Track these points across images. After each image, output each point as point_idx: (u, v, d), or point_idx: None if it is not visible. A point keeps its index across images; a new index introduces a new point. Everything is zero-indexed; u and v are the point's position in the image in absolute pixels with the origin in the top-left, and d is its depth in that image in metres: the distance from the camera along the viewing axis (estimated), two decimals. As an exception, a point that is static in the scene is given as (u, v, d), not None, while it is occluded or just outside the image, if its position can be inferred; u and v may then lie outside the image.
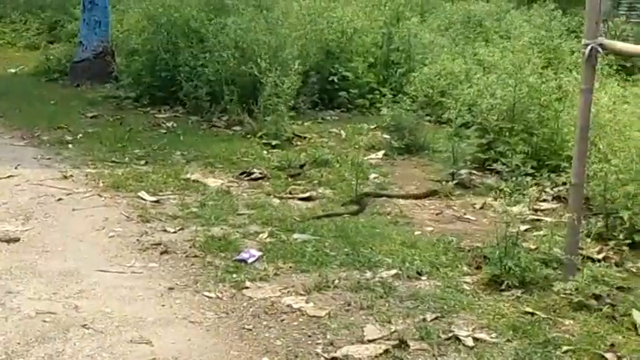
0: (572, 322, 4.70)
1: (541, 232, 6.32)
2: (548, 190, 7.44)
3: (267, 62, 9.08)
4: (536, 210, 6.97)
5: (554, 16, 13.17)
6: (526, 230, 6.36)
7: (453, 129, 7.87)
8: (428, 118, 9.66)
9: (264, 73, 9.05)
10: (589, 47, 4.76)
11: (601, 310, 4.82)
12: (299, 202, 6.92)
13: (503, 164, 7.45)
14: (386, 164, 8.28)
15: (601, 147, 6.44)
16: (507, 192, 6.99)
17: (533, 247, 5.92)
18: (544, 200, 7.27)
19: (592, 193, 6.40)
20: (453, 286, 5.18)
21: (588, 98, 4.86)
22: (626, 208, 6.01)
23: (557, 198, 7.27)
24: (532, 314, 4.76)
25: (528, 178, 7.22)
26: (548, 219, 6.68)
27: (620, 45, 4.98)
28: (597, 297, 4.91)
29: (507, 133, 7.95)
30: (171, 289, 5.07)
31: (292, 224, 6.27)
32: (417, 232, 6.25)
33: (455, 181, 7.41)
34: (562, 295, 4.97)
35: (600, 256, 5.73)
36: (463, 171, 7.71)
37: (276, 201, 6.94)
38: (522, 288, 5.12)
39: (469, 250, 5.86)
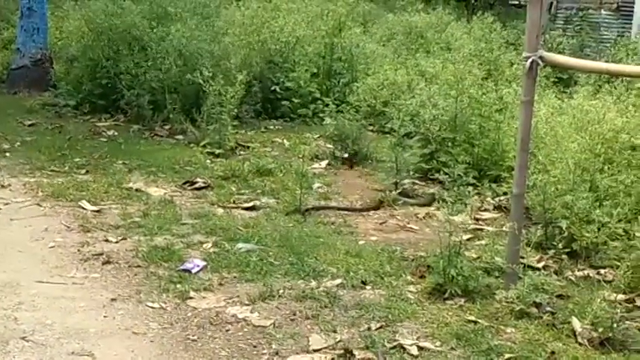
0: (513, 330, 4.77)
1: (483, 242, 6.41)
2: (489, 199, 7.54)
3: (210, 71, 9.02)
4: (477, 219, 7.06)
5: (494, 28, 13.37)
6: (468, 239, 6.43)
7: (396, 139, 7.93)
8: (371, 127, 9.73)
9: (207, 81, 8.99)
10: (530, 60, 4.84)
11: (541, 317, 4.90)
12: (243, 212, 6.90)
13: (446, 174, 7.52)
14: (329, 174, 8.31)
15: (540, 158, 6.55)
16: (450, 202, 7.14)
17: (475, 256, 6.00)
18: (485, 210, 7.37)
19: (532, 203, 6.51)
20: (397, 295, 5.21)
21: (529, 110, 4.94)
22: (565, 217, 6.12)
23: (498, 207, 7.38)
24: (475, 322, 4.82)
25: (470, 188, 7.32)
26: (490, 228, 6.79)
27: (559, 58, 5.09)
28: (538, 305, 4.99)
29: (450, 144, 8.05)
30: (113, 299, 5.00)
31: (236, 234, 6.24)
32: (361, 242, 6.28)
33: (398, 191, 7.45)
34: (504, 304, 5.05)
35: (540, 265, 5.83)
36: (406, 181, 7.77)
37: (220, 211, 6.90)
38: (465, 296, 5.17)
39: (413, 260, 5.91)
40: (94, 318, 4.74)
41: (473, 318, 4.88)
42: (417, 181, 7.99)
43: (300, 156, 8.84)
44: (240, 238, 6.14)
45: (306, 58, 11.87)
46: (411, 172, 7.93)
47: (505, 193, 7.39)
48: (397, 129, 7.99)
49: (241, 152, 8.96)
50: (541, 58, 4.86)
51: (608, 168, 6.45)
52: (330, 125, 9.68)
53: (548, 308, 4.99)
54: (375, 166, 8.65)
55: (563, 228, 6.05)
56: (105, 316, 4.77)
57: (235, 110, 9.25)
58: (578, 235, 5.95)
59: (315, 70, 11.94)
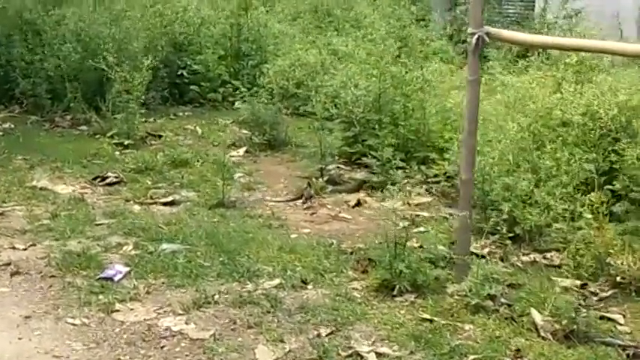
0: (472, 326, 4.45)
1: (421, 229, 6.09)
2: (419, 183, 7.23)
3: (114, 57, 8.41)
4: (410, 204, 6.72)
5: (402, 4, 13.08)
6: (405, 227, 6.10)
7: (318, 122, 7.52)
8: (285, 111, 9.26)
9: (112, 68, 8.38)
10: (475, 36, 4.51)
11: (498, 311, 4.61)
12: (162, 208, 6.39)
13: (374, 157, 7.17)
14: (249, 162, 7.85)
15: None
16: (380, 187, 6.80)
17: (416, 245, 5.66)
18: (417, 194, 7.04)
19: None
20: (342, 294, 4.83)
21: (476, 90, 4.62)
22: (505, 200, 5.85)
23: (429, 191, 7.07)
24: (430, 321, 4.49)
25: (399, 172, 7.03)
26: (425, 213, 6.47)
27: (505, 33, 4.77)
28: (492, 297, 4.69)
29: (375, 126, 7.69)
30: (27, 317, 4.46)
31: (158, 233, 5.74)
32: (293, 235, 5.88)
33: (325, 178, 7.05)
34: (457, 298, 4.73)
35: (485, 252, 5.54)
36: (331, 166, 7.39)
37: (137, 207, 6.38)
38: (415, 292, 4.84)
39: (352, 253, 5.54)
40: (7, 340, 4.21)
41: (427, 316, 4.54)
42: (341, 166, 7.61)
43: (216, 144, 8.38)
44: (163, 238, 5.65)
45: (212, 39, 11.31)
46: (336, 157, 7.52)
47: (436, 175, 7.10)
48: (320, 112, 7.58)
49: (152, 142, 8.40)
50: (487, 34, 4.53)
51: (544, 147, 6.21)
52: (243, 110, 9.27)
53: (503, 300, 4.70)
54: (296, 152, 8.23)
55: (505, 211, 5.76)
56: (19, 338, 4.24)
57: (142, 97, 8.66)
58: (521, 218, 5.69)
59: (223, 53, 11.39)
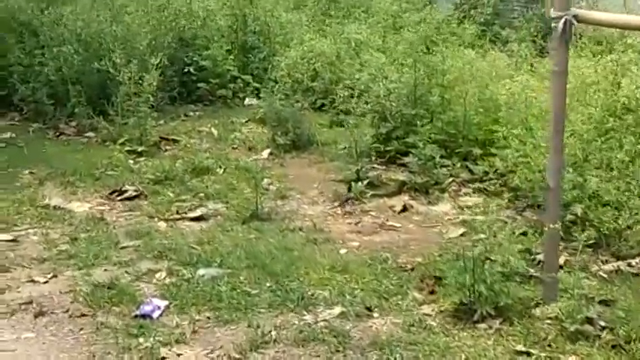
0: (575, 358, 3.85)
1: (481, 236, 5.47)
2: (466, 182, 6.62)
3: (121, 57, 7.76)
4: (461, 207, 6.14)
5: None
6: (462, 235, 5.53)
7: (353, 119, 6.90)
8: (299, 105, 8.61)
9: (119, 68, 7.73)
10: (562, 20, 3.89)
11: (599, 337, 4.01)
12: (190, 224, 5.77)
13: (413, 155, 6.56)
14: (274, 165, 7.21)
15: (538, 133, 5.66)
16: (424, 188, 6.22)
17: (483, 257, 5.04)
18: (465, 194, 6.45)
19: (519, 182, 5.68)
20: (415, 322, 4.23)
21: (562, 82, 4.01)
22: (576, 199, 5.26)
23: (478, 190, 6.46)
24: (528, 354, 3.89)
25: (443, 170, 6.44)
26: (480, 217, 5.84)
27: (597, 15, 4.15)
28: (590, 320, 4.09)
29: (412, 120, 7.06)
30: (60, 369, 3.84)
31: (191, 255, 5.12)
32: (342, 251, 5.27)
33: (365, 181, 6.43)
34: (549, 322, 4.13)
35: (561, 261, 4.95)
36: (368, 167, 6.76)
37: (163, 225, 5.76)
38: (498, 317, 4.24)
39: (412, 269, 4.94)
40: (39, 400, 3.58)
41: (521, 347, 3.95)
42: (376, 166, 6.98)
43: (235, 146, 7.78)
44: (198, 261, 5.04)
45: (218, 33, 10.65)
46: (372, 157, 6.89)
47: (486, 173, 6.50)
48: (353, 108, 6.95)
49: (167, 147, 7.75)
50: (575, 17, 3.91)
51: (611, 138, 5.62)
52: (259, 106, 8.67)
53: (602, 323, 4.10)
54: (323, 152, 7.61)
55: (578, 214, 5.17)
56: (53, 397, 3.61)
57: (152, 99, 8.02)
58: (596, 220, 5.09)
59: (229, 47, 10.73)
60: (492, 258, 4.81)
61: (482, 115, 6.95)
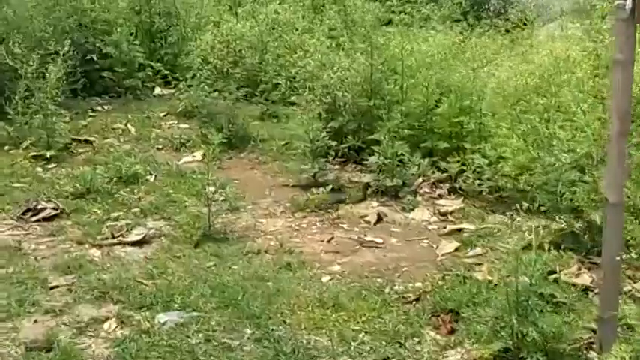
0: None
1: (477, 250, 4.70)
2: (439, 183, 5.83)
3: (22, 46, 6.59)
4: (442, 213, 5.35)
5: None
6: (457, 249, 4.74)
7: (308, 115, 6.00)
8: (232, 96, 7.64)
9: (19, 60, 6.56)
10: (629, 2, 3.12)
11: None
12: (131, 250, 4.76)
13: (378, 154, 5.73)
14: (212, 169, 6.18)
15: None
16: (391, 191, 5.41)
17: (488, 277, 4.28)
18: (439, 196, 5.67)
19: (533, 188, 4.93)
20: (451, 378, 3.39)
21: (627, 74, 3.23)
22: (590, 206, 4.54)
23: (454, 191, 5.69)
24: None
25: (414, 170, 5.63)
26: (468, 226, 5.09)
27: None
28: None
29: (368, 113, 6.22)
30: None
31: (142, 294, 4.13)
32: (324, 278, 4.39)
33: (329, 187, 5.54)
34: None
35: (587, 281, 4.22)
36: (326, 170, 5.89)
37: (97, 252, 4.72)
38: (549, 364, 3.45)
39: (416, 299, 4.10)
40: None
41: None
42: (330, 166, 6.11)
43: (160, 146, 6.76)
44: (153, 303, 4.05)
45: (120, 15, 9.48)
46: (330, 157, 6.00)
47: (462, 172, 5.72)
48: (306, 101, 6.05)
49: (80, 150, 6.65)
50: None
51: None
52: (180, 98, 7.68)
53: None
54: (263, 150, 6.69)
55: (597, 222, 4.44)
56: None
57: (56, 93, 6.87)
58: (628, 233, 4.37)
59: (133, 30, 9.58)
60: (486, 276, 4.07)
61: (448, 104, 6.16)
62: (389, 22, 7.46)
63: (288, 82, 7.15)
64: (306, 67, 6.53)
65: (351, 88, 6.23)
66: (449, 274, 4.36)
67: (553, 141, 4.75)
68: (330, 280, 4.35)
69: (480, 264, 4.52)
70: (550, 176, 4.64)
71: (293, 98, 6.71)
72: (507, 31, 8.50)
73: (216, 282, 4.27)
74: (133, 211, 5.32)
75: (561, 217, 4.66)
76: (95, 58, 8.71)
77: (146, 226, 5.07)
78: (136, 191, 5.67)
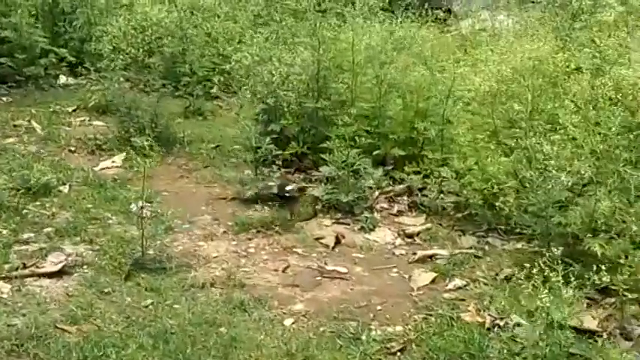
0: None
1: (457, 282, 4.10)
2: (396, 196, 5.21)
3: None
4: (407, 234, 4.71)
5: None
6: (433, 281, 4.12)
7: (248, 114, 5.28)
8: (161, 90, 6.83)
9: None
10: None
11: None
12: (47, 283, 3.94)
13: (330, 163, 5.05)
14: (135, 176, 5.39)
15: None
16: (342, 206, 4.76)
17: (478, 319, 3.68)
18: (399, 212, 5.03)
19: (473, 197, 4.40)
20: None
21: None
22: (587, 232, 3.99)
23: (414, 206, 5.07)
24: None
25: (370, 182, 5.00)
26: (441, 251, 4.48)
27: None
28: None
29: (314, 115, 5.54)
30: None
31: (66, 348, 3.34)
32: (287, 321, 3.69)
33: (278, 203, 4.83)
34: None
35: (594, 324, 3.67)
36: (270, 180, 5.17)
37: (5, 287, 3.88)
38: None
39: (401, 350, 3.46)
40: None
41: None
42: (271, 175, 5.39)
43: (72, 148, 5.91)
44: (81, 358, 3.26)
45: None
46: (275, 164, 5.28)
47: (425, 185, 5.10)
48: (247, 99, 5.33)
49: (-24, 154, 5.73)
50: None
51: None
52: (92, 91, 6.82)
53: None
54: (192, 154, 5.93)
55: (597, 252, 3.88)
56: None
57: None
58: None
59: (34, 12, 8.59)
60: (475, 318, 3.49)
61: (401, 106, 5.54)
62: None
63: (222, 78, 6.38)
64: (242, 61, 5.75)
65: (295, 86, 5.50)
66: (431, 315, 3.73)
67: (542, 156, 4.15)
68: (294, 323, 3.66)
69: (462, 300, 3.91)
70: (539, 197, 4.04)
71: (213, 92, 6.00)
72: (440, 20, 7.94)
73: (157, 328, 3.52)
74: (45, 231, 4.48)
75: (551, 243, 4.07)
76: (-9, 43, 7.75)
77: (64, 251, 4.25)
78: (47, 205, 4.83)
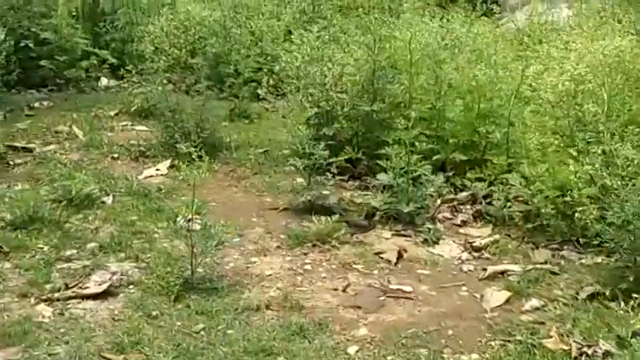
0: None
1: (534, 303, 3.75)
2: (460, 204, 4.86)
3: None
4: (474, 248, 4.37)
5: None
6: (507, 301, 3.77)
7: (306, 120, 4.99)
8: (207, 93, 6.56)
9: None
10: None
11: None
12: (91, 305, 3.67)
13: (389, 170, 4.71)
14: (181, 185, 5.12)
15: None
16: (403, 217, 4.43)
17: (562, 346, 3.33)
18: (464, 223, 4.69)
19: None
20: None
21: None
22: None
23: (479, 216, 4.73)
24: None
25: (431, 190, 4.66)
26: (513, 267, 4.13)
27: None
28: None
29: (368, 119, 5.21)
30: None
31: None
32: (352, 349, 3.38)
33: (336, 215, 4.51)
34: None
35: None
36: (324, 188, 4.86)
37: (46, 310, 3.62)
38: None
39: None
40: None
41: None
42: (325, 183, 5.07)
43: (116, 155, 5.66)
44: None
45: (59, -5, 8.28)
46: (330, 172, 4.96)
47: (492, 192, 4.75)
48: (300, 100, 5.06)
49: (17, 161, 5.50)
50: None
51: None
52: (133, 94, 6.58)
53: None
54: (240, 160, 5.64)
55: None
56: None
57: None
58: None
59: (75, 12, 8.39)
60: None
61: (467, 108, 5.20)
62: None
63: (270, 80, 6.09)
64: (292, 61, 5.44)
65: (348, 88, 5.18)
66: (509, 341, 3.40)
67: (625, 162, 3.79)
68: (359, 351, 3.34)
69: (542, 323, 3.56)
70: (626, 208, 3.67)
71: (260, 94, 5.76)
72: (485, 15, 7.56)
73: (210, 357, 3.22)
74: (89, 246, 4.22)
75: (638, 259, 3.71)
76: (31, 45, 7.54)
77: (109, 269, 3.98)
78: (90, 218, 4.57)
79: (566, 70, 4.29)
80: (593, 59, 4.40)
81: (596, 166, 3.83)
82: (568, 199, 4.23)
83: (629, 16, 5.72)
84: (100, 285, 3.78)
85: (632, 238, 3.70)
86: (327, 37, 5.54)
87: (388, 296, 3.82)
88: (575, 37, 5.12)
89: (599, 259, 4.15)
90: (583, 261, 4.18)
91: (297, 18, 8.14)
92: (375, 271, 4.07)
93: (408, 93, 5.23)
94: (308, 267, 4.11)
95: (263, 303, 3.68)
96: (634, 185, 3.69)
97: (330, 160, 4.93)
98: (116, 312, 3.60)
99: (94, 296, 3.71)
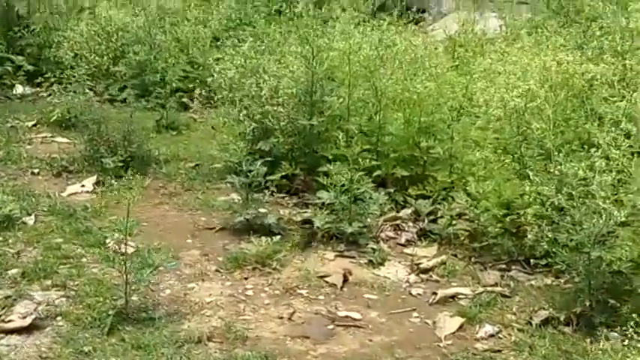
0: None
1: (489, 330, 3.60)
2: (402, 222, 4.70)
3: None
4: (421, 269, 4.21)
5: None
6: (460, 327, 3.62)
7: (235, 130, 4.76)
8: (138, 104, 6.26)
9: None
10: None
11: None
12: (16, 341, 3.36)
13: (329, 188, 4.52)
14: (109, 202, 4.82)
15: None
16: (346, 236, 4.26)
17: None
18: (408, 242, 4.53)
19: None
20: None
21: None
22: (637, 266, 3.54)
23: (423, 235, 4.57)
24: None
25: (374, 208, 4.50)
26: (463, 290, 3.99)
27: None
28: None
29: (304, 133, 5.01)
30: None
31: None
32: (304, 385, 3.15)
33: (277, 237, 4.29)
34: None
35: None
36: (262, 206, 4.63)
37: (-35, 348, 3.28)
38: None
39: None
40: None
41: None
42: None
43: (36, 170, 5.32)
44: None
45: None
46: (269, 190, 4.72)
47: (436, 210, 4.60)
48: (232, 115, 4.80)
49: None
50: None
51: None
52: (52, 103, 6.25)
53: None
54: (169, 175, 5.36)
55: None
56: None
57: None
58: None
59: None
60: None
61: (407, 123, 5.04)
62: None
63: (202, 92, 5.83)
64: (225, 72, 5.19)
65: (286, 101, 4.97)
66: (467, 371, 3.24)
67: (575, 181, 3.67)
68: (312, 387, 3.12)
69: (498, 351, 3.43)
70: (583, 230, 3.55)
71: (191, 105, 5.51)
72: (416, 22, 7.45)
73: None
74: (11, 273, 3.90)
75: (592, 282, 3.60)
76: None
77: (33, 299, 3.67)
78: (11, 241, 4.25)
79: (516, 86, 4.16)
80: (538, 75, 4.29)
81: (551, 186, 3.69)
82: (515, 217, 4.13)
83: (568, 29, 5.65)
84: (24, 318, 3.47)
85: (588, 262, 3.57)
86: (262, 47, 5.30)
87: (337, 325, 3.61)
88: (516, 50, 5.01)
89: (548, 281, 4.04)
90: (533, 282, 4.05)
91: (223, 24, 7.89)
92: (321, 297, 3.86)
93: (347, 106, 5.04)
94: (250, 292, 3.87)
95: (204, 334, 3.43)
96: (587, 207, 3.57)
97: (269, 178, 4.69)
98: (43, 348, 3.31)
99: (19, 330, 3.40)
